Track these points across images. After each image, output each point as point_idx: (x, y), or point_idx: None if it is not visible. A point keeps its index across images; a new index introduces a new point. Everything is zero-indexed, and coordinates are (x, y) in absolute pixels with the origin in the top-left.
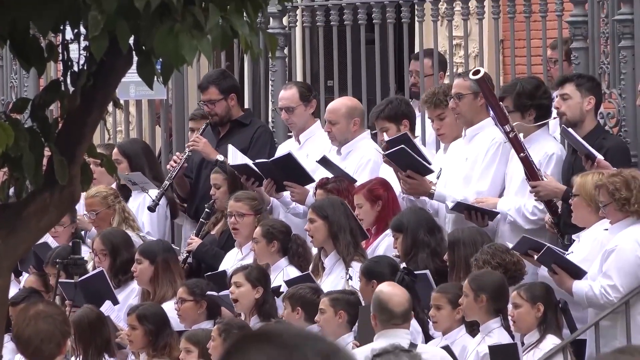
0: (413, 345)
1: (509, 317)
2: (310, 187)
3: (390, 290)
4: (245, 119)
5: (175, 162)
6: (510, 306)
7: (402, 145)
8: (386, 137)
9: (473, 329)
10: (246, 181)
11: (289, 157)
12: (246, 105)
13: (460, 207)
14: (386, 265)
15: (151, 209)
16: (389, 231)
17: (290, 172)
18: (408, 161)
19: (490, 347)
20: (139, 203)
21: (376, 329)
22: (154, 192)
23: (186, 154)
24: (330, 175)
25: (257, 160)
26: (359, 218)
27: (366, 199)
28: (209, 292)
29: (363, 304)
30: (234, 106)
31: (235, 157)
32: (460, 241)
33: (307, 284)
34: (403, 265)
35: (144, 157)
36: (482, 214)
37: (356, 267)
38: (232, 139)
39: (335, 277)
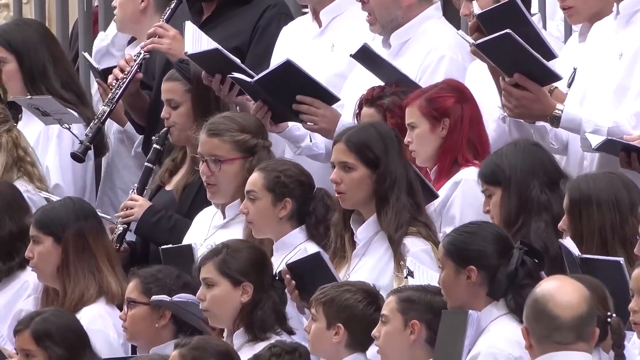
0: None
1: None
2: (339, 108)
3: (554, 286)
4: None
5: (119, 74)
6: None
7: (508, 30)
8: (476, 8)
9: None
10: (221, 86)
11: (288, 68)
12: None
13: (613, 146)
14: (490, 239)
15: (78, 156)
16: (458, 177)
17: (294, 91)
18: (515, 56)
19: None
20: (39, 131)
21: (531, 353)
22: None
23: (140, 56)
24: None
25: (234, 74)
26: (409, 149)
27: (424, 115)
28: (154, 297)
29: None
30: None
31: (197, 41)
32: (590, 199)
33: (356, 283)
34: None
35: (45, 48)
36: None
37: (413, 245)
38: (221, 26)
39: (376, 264)
